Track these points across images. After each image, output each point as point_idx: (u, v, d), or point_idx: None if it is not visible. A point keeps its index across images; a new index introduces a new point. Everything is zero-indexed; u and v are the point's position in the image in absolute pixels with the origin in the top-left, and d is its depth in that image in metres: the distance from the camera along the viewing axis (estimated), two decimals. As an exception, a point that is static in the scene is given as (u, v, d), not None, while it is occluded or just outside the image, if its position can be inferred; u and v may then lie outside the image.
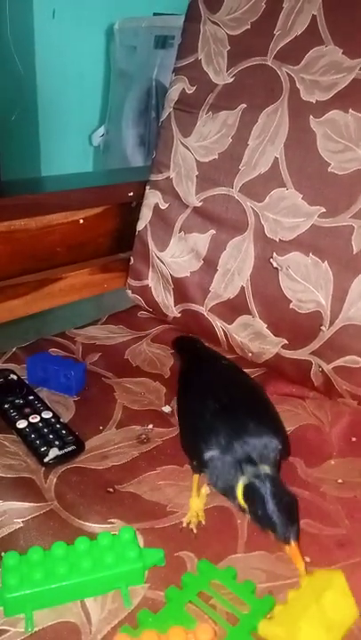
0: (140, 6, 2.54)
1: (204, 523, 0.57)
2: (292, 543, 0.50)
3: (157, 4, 2.61)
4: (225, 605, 0.48)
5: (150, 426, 0.70)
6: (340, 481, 0.63)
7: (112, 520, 0.56)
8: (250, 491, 0.52)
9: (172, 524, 0.57)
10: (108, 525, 0.56)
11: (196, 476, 0.60)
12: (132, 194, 0.98)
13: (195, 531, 0.56)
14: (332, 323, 0.75)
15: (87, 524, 0.56)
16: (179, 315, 0.92)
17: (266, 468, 0.54)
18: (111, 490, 0.60)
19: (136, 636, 0.44)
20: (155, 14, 2.65)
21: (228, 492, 0.55)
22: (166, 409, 0.74)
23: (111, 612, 0.48)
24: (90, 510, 0.57)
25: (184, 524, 0.56)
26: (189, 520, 0.57)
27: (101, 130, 2.94)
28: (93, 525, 0.56)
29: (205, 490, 0.60)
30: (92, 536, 0.54)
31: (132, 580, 0.50)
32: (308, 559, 0.53)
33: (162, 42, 2.31)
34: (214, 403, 0.61)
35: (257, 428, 0.57)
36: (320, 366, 0.77)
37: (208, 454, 0.57)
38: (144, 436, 0.68)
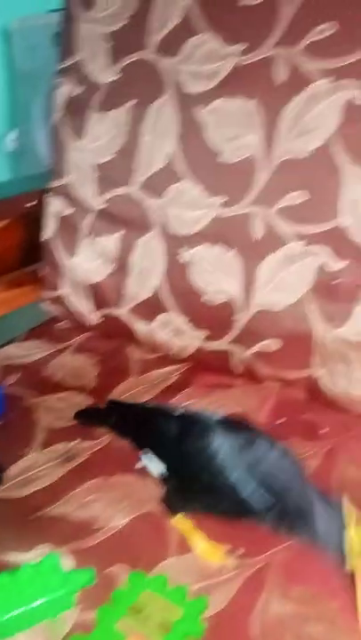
0: (34, 4, 2.47)
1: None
2: None
3: (52, 1, 2.54)
4: (157, 615, 0.47)
5: (76, 441, 0.68)
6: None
7: (39, 547, 0.55)
8: None
9: (101, 540, 0.55)
10: (35, 553, 0.54)
11: (179, 517, 0.56)
12: (34, 202, 0.95)
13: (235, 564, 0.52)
14: (245, 310, 0.75)
15: (13, 554, 0.54)
16: (98, 321, 0.91)
17: None
18: (37, 516, 0.58)
19: None
20: (51, 11, 2.58)
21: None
22: (92, 420, 0.72)
23: (44, 644, 0.47)
24: (15, 540, 0.55)
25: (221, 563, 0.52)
26: (219, 559, 0.53)
27: (12, 134, 2.84)
28: (20, 555, 0.54)
29: (189, 523, 0.56)
30: (19, 567, 0.52)
31: (60, 607, 0.48)
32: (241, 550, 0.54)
33: (61, 38, 2.25)
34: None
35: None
36: (240, 354, 0.77)
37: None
38: (69, 454, 0.66)
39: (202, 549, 0.53)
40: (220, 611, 0.49)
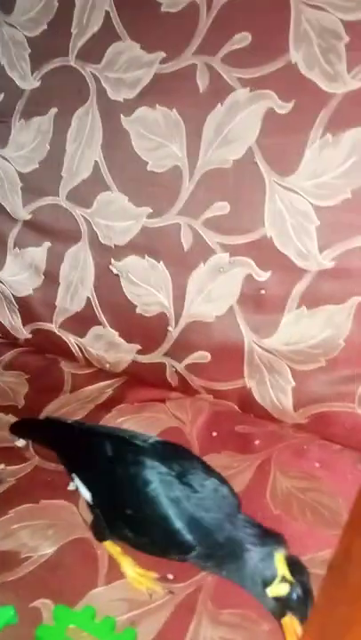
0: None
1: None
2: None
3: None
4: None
5: (2, 466, 0.65)
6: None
7: None
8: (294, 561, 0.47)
9: (25, 573, 0.53)
10: None
11: (108, 543, 0.54)
12: None
13: (172, 591, 0.50)
14: (177, 322, 0.74)
15: None
16: (29, 335, 0.88)
17: None
18: None
19: None
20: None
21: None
22: (20, 443, 0.69)
23: None
24: None
25: (147, 591, 0.51)
26: (145, 587, 0.51)
27: None
28: None
29: (119, 548, 0.54)
30: None
31: None
32: (170, 576, 0.52)
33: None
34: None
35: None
36: (173, 366, 0.76)
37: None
38: (-5, 479, 0.64)
39: (130, 576, 0.52)
40: (150, 640, 0.47)
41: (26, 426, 0.71)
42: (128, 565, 0.52)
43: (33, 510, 0.60)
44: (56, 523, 0.58)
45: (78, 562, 0.54)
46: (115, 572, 0.53)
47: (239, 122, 0.66)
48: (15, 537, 0.57)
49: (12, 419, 0.73)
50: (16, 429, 0.70)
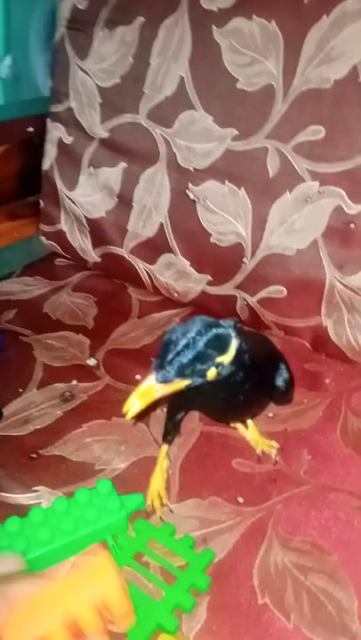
0: None
1: (168, 503, 0.52)
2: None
3: None
4: (162, 564, 0.47)
5: (74, 382, 0.66)
6: (270, 415, 0.62)
7: (37, 488, 0.54)
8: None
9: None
10: (33, 494, 0.53)
11: (164, 448, 0.56)
12: (32, 129, 0.89)
13: (163, 518, 0.51)
14: (253, 253, 0.72)
15: (11, 495, 0.53)
16: (99, 259, 0.87)
17: None
18: (34, 456, 0.57)
19: None
20: None
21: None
22: (91, 362, 0.70)
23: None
24: (13, 480, 0.54)
25: (147, 505, 0.52)
26: (151, 502, 0.52)
27: (7, 59, 2.68)
28: (17, 496, 0.53)
29: (166, 463, 0.56)
30: (18, 508, 0.51)
31: (116, 530, 0.49)
32: (241, 499, 0.53)
33: None
34: None
35: None
36: (245, 299, 0.74)
37: None
38: (68, 394, 0.65)
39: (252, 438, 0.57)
40: (222, 560, 0.48)
41: None
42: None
43: (105, 426, 0.61)
44: (127, 440, 0.59)
45: (149, 479, 0.55)
46: (186, 490, 0.54)
47: (345, 36, 0.61)
48: (89, 449, 0.58)
49: (82, 338, 0.74)
50: None
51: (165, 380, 0.41)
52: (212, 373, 0.42)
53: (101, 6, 0.78)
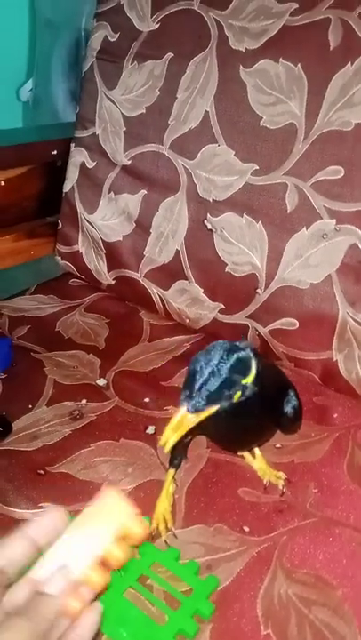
0: None
1: (172, 528, 0.52)
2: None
3: None
4: (166, 589, 0.47)
5: (84, 401, 0.67)
6: (278, 446, 0.63)
7: (43, 504, 0.54)
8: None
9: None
10: (39, 510, 0.53)
11: (171, 472, 0.56)
12: (55, 152, 0.91)
13: (168, 542, 0.51)
14: (267, 285, 0.73)
15: (17, 510, 0.53)
16: (113, 282, 0.88)
17: None
18: (42, 472, 0.57)
19: None
20: None
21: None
22: (101, 382, 0.70)
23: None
24: (19, 495, 0.54)
25: (152, 529, 0.52)
26: (156, 526, 0.52)
27: (29, 84, 2.74)
28: (23, 512, 0.53)
29: (173, 487, 0.56)
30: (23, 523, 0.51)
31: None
32: (246, 528, 0.53)
33: (90, -12, 2.15)
34: None
35: None
36: (257, 329, 0.75)
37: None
38: (77, 412, 0.65)
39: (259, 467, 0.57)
40: (226, 587, 0.48)
41: None
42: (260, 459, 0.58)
43: (113, 447, 0.61)
44: (135, 462, 0.59)
45: (155, 502, 0.55)
46: (191, 516, 0.54)
47: (369, 84, 0.63)
48: (96, 469, 0.58)
49: (93, 358, 0.75)
50: None
51: (197, 410, 0.42)
52: (238, 395, 0.43)
53: (133, 41, 0.81)
